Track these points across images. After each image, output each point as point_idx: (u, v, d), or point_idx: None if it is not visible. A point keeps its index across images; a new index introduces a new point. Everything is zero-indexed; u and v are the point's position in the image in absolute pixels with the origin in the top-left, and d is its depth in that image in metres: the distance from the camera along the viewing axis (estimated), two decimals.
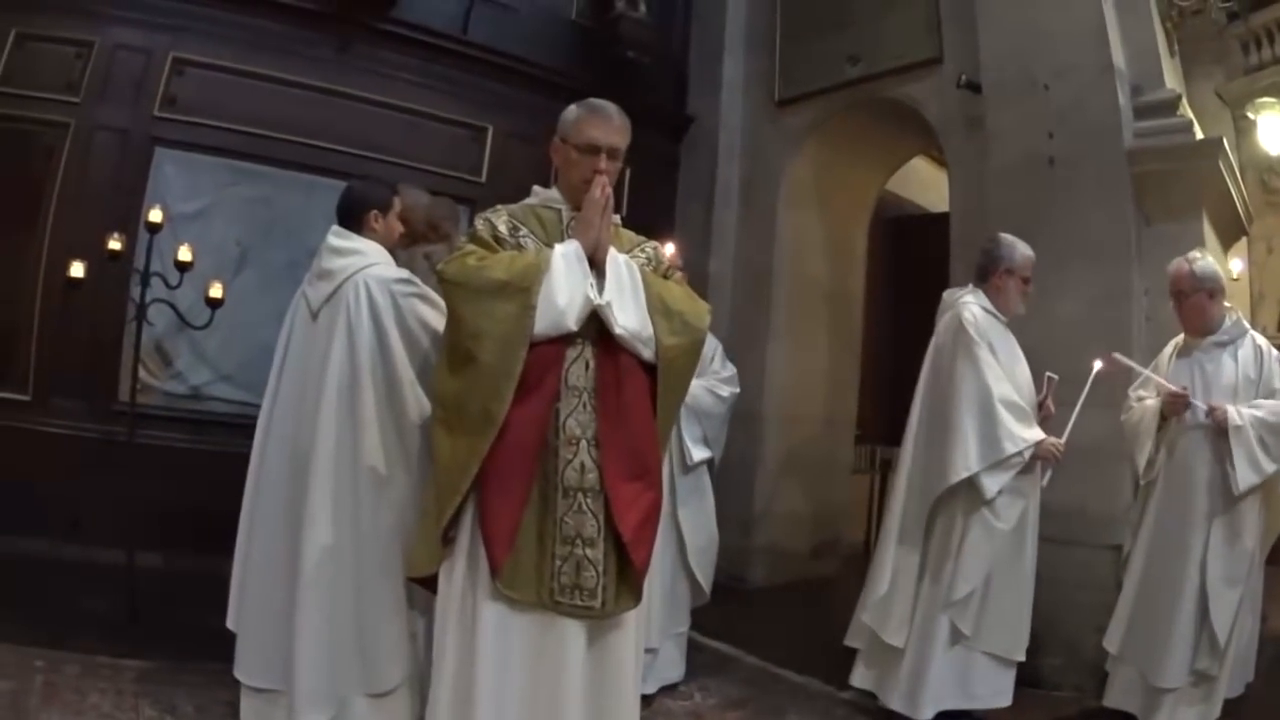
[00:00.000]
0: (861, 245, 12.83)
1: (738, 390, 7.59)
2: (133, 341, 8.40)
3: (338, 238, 5.63)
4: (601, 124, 4.51)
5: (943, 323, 6.86)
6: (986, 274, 6.84)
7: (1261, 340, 6.83)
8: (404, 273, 5.55)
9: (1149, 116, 8.71)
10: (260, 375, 9.62)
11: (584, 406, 4.21)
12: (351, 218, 5.75)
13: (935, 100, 10.39)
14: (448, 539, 4.24)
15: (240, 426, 9.33)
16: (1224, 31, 13.03)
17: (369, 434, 5.13)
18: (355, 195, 5.88)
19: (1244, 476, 6.24)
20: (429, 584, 4.45)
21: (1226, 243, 9.80)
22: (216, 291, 8.34)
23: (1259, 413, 6.40)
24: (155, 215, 8.10)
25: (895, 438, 7.35)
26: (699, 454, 7.15)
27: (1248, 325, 6.93)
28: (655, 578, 6.57)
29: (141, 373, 8.78)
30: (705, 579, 7.29)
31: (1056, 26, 8.97)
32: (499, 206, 4.58)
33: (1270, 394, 6.57)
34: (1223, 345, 6.73)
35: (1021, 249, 6.81)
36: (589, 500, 4.14)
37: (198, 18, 9.79)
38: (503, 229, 4.41)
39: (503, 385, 4.06)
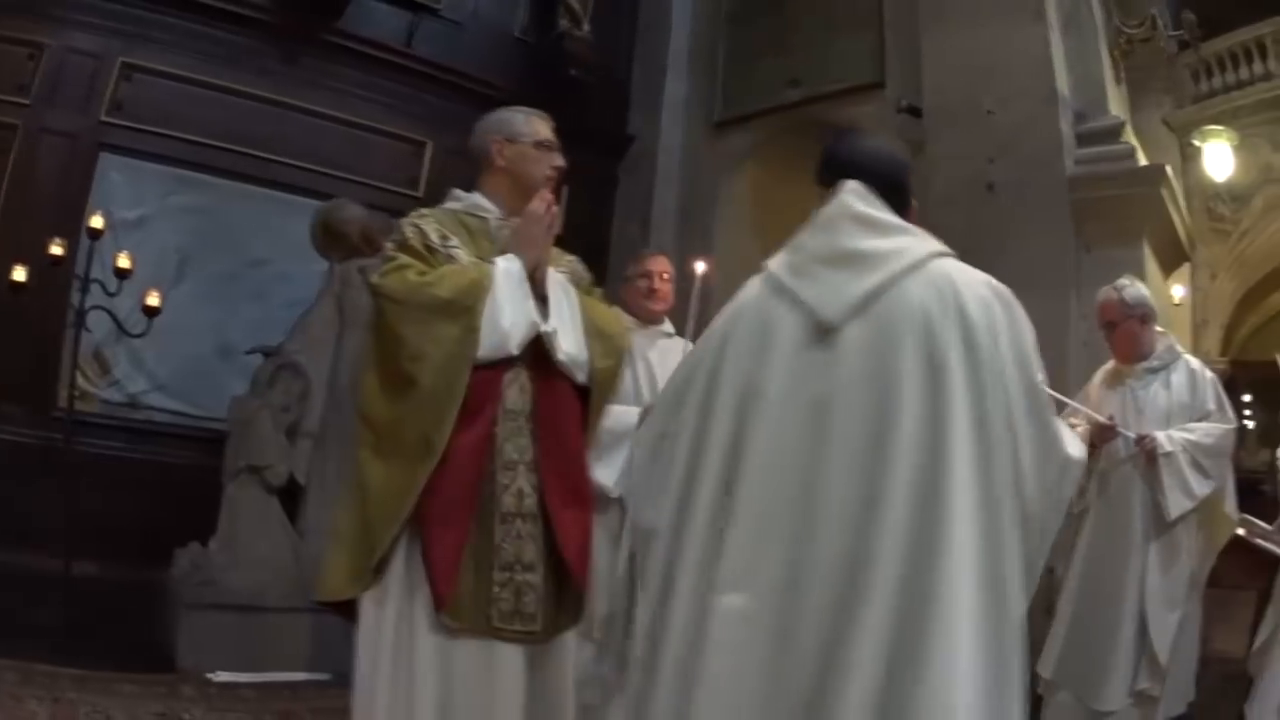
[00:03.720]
0: None
1: None
2: (71, 348, 8.36)
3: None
4: (550, 125, 4.48)
5: None
6: None
7: (1195, 363, 6.88)
8: None
9: (1092, 143, 8.87)
10: (197, 385, 9.74)
11: (520, 430, 4.11)
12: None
13: (876, 125, 10.30)
14: (379, 567, 3.98)
15: (175, 437, 9.37)
16: (1174, 60, 13.18)
17: None
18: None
19: (1175, 503, 6.23)
20: (341, 610, 4.18)
21: (1168, 269, 9.92)
22: (154, 300, 8.34)
23: (1191, 436, 6.40)
24: (97, 221, 8.11)
25: None
26: None
27: (1180, 350, 7.01)
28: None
29: (80, 380, 8.75)
30: None
31: (1001, 53, 9.11)
32: (424, 211, 4.38)
33: (1204, 416, 6.57)
34: (1155, 371, 6.68)
35: None
36: (527, 525, 4.05)
37: (149, 24, 9.79)
38: (434, 238, 4.17)
39: (445, 412, 3.90)
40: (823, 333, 3.00)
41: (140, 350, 9.48)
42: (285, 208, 10.31)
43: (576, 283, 4.45)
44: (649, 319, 6.54)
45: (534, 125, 4.41)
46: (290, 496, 7.93)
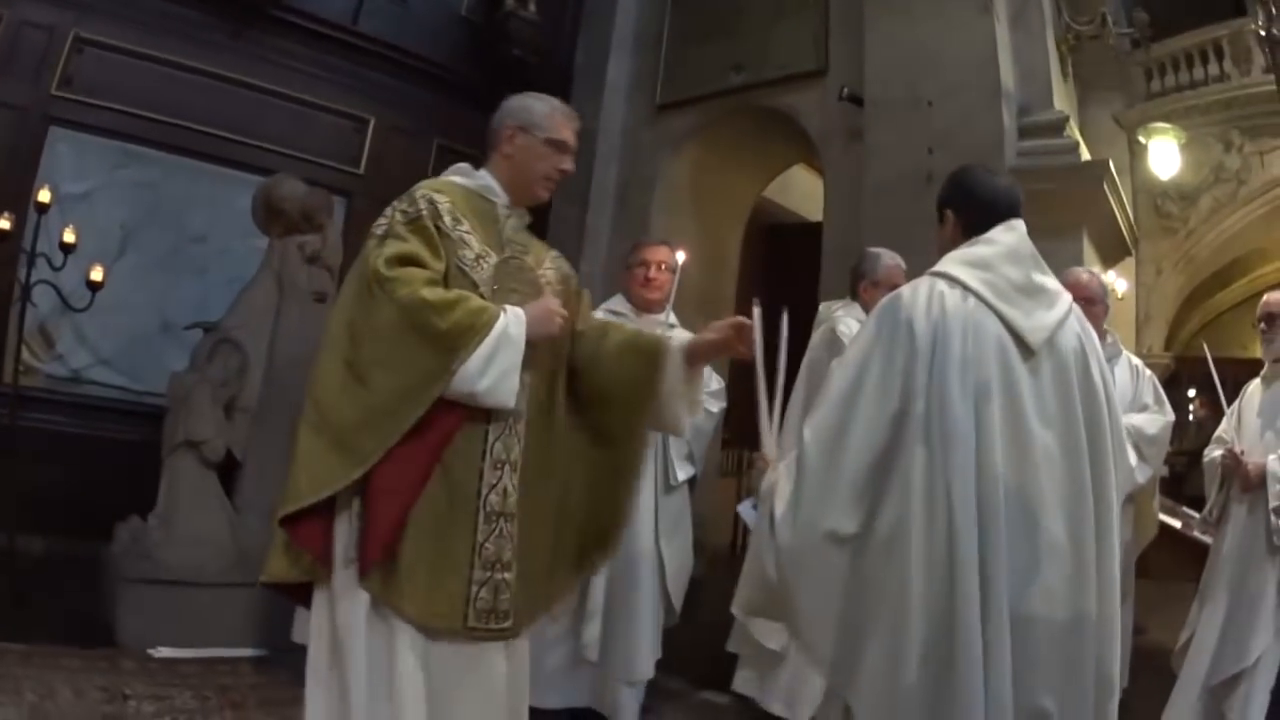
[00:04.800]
0: (735, 251, 12.92)
1: (725, 405, 7.22)
2: (17, 323, 8.37)
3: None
4: (573, 126, 4.29)
5: (817, 336, 6.92)
6: (854, 288, 6.94)
7: (1136, 360, 7.13)
8: None
9: (1033, 137, 8.99)
10: (139, 361, 9.75)
11: (510, 430, 3.94)
12: None
13: (817, 112, 10.54)
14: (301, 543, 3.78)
15: (118, 412, 9.36)
16: (1126, 58, 13.26)
17: None
18: None
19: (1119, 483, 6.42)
20: (290, 594, 4.04)
21: (1109, 263, 10.01)
22: (98, 275, 8.34)
23: (1135, 421, 6.60)
24: (44, 195, 8.11)
25: None
26: (683, 473, 6.88)
27: (1121, 346, 7.15)
28: (644, 607, 6.59)
29: (25, 354, 8.73)
30: (678, 600, 6.95)
31: (945, 45, 9.21)
32: (438, 183, 4.10)
33: (1142, 409, 6.82)
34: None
35: (886, 260, 6.88)
36: (507, 524, 3.91)
37: None
38: (446, 220, 3.93)
39: (387, 433, 3.66)
40: (1026, 353, 3.62)
41: (83, 325, 9.52)
42: (227, 183, 10.37)
43: (565, 281, 4.34)
44: (646, 308, 6.65)
45: (554, 122, 4.23)
46: (228, 472, 7.95)
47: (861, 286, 6.87)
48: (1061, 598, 3.51)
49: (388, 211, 3.99)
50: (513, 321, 3.80)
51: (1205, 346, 8.23)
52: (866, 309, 6.57)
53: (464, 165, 4.27)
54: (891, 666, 3.41)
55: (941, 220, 4.07)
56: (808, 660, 3.86)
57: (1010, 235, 3.84)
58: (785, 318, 4.30)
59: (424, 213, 3.91)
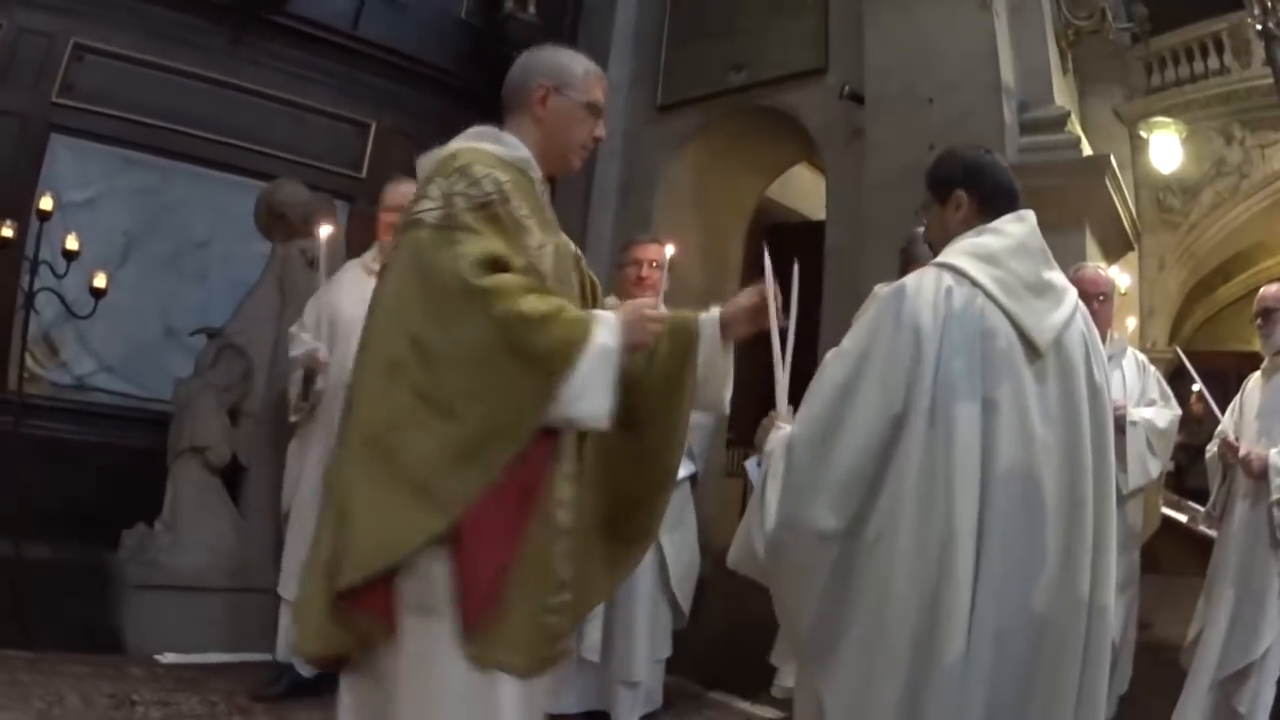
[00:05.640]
0: (738, 250, 12.87)
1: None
2: (20, 331, 8.38)
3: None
4: (604, 87, 3.81)
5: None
6: (904, 271, 6.69)
7: (1141, 356, 7.20)
8: None
9: (1035, 132, 8.98)
10: (143, 367, 9.75)
11: (570, 440, 3.50)
12: None
13: (817, 110, 10.51)
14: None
15: (123, 419, 9.37)
16: (1126, 52, 13.25)
17: None
18: None
19: (1134, 476, 6.42)
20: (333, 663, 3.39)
21: (1111, 258, 9.96)
22: (100, 281, 8.34)
23: (1147, 413, 6.65)
24: (46, 203, 8.11)
25: None
26: (682, 470, 6.44)
27: (1126, 342, 7.20)
28: (637, 607, 6.62)
29: (29, 362, 8.76)
30: (685, 601, 6.95)
31: (945, 41, 9.20)
32: (483, 155, 3.52)
33: (1149, 404, 6.84)
34: (1109, 359, 6.83)
35: None
36: (568, 540, 3.47)
37: (101, 4, 9.78)
38: (513, 203, 3.41)
39: (478, 474, 3.14)
40: (1033, 355, 3.52)
41: (87, 332, 9.48)
42: (229, 188, 10.34)
43: (577, 262, 3.84)
44: None
45: (590, 83, 3.74)
46: (234, 477, 7.97)
47: (912, 270, 6.84)
48: (1050, 610, 3.42)
49: (433, 191, 3.38)
50: (607, 332, 3.31)
51: (1179, 351, 8.27)
52: None
53: (490, 129, 3.70)
54: (866, 669, 3.36)
55: (943, 201, 3.87)
56: (789, 641, 3.82)
57: (1020, 227, 3.73)
58: (796, 270, 4.05)
59: (494, 197, 3.36)
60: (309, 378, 6.59)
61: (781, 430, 3.70)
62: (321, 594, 3.19)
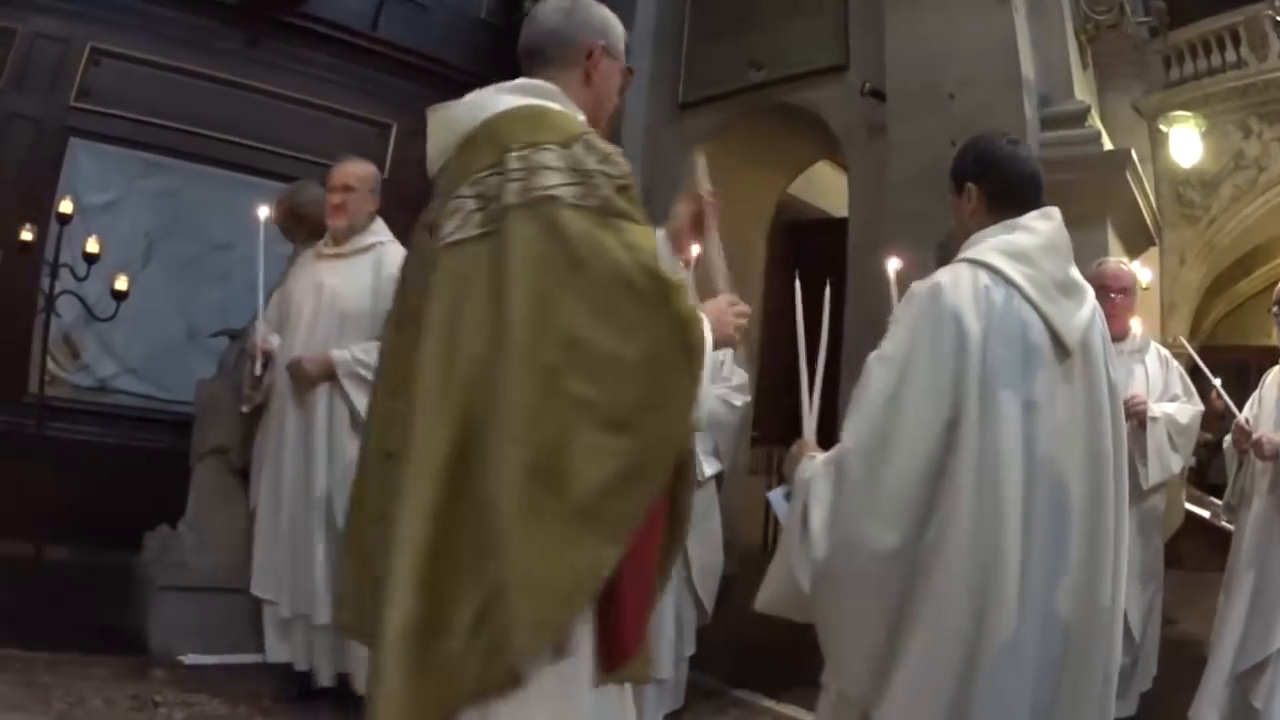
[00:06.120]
0: (761, 248, 12.89)
1: (749, 399, 6.74)
2: (42, 334, 8.40)
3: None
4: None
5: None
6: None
7: (1164, 350, 7.13)
8: None
9: (1056, 127, 9.00)
10: (165, 369, 9.78)
11: None
12: None
13: (838, 107, 10.55)
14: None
15: (146, 420, 9.40)
16: (1144, 46, 13.22)
17: None
18: None
19: (1154, 471, 6.39)
20: None
21: (1133, 253, 10.01)
22: (122, 284, 8.37)
23: (1169, 408, 6.62)
24: (66, 206, 8.14)
25: (791, 440, 7.24)
26: (710, 468, 6.61)
27: (1148, 337, 7.18)
28: (661, 604, 6.54)
29: (50, 364, 8.79)
30: (709, 599, 6.83)
31: (965, 37, 9.21)
32: (589, 125, 3.07)
33: (1172, 399, 6.81)
34: (1132, 354, 6.78)
35: None
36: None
37: (117, 8, 9.84)
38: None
39: (645, 493, 2.78)
40: (1063, 354, 3.50)
41: (109, 334, 9.54)
42: (250, 190, 10.31)
43: None
44: None
45: (622, 49, 3.34)
46: None
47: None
48: (1072, 615, 3.41)
49: (552, 161, 2.79)
50: (709, 330, 2.91)
51: (1185, 341, 8.24)
52: None
53: (550, 87, 3.15)
54: (923, 695, 3.27)
55: (958, 192, 3.80)
56: (834, 673, 3.64)
57: (1048, 224, 3.65)
58: (828, 294, 3.89)
59: (632, 183, 2.88)
60: (264, 366, 6.69)
61: (814, 459, 3.57)
62: (413, 660, 2.64)
